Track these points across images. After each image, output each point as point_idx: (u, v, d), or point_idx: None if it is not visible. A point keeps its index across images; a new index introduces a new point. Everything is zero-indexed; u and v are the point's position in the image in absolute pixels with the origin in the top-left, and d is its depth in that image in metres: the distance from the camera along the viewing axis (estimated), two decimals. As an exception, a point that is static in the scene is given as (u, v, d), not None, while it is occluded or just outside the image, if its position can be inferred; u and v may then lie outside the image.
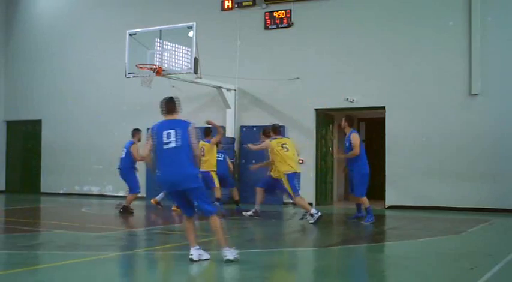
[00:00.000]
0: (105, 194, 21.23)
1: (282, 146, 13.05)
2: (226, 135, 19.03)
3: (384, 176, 17.23)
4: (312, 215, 12.76)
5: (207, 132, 15.66)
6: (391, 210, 16.66)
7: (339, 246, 10.33)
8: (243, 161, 19.00)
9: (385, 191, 17.28)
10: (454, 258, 8.90)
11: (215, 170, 15.24)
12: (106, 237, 11.06)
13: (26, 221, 13.81)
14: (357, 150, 12.99)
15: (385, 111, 17.43)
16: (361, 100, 17.41)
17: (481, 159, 16.27)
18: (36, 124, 23.41)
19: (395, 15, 17.61)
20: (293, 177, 12.90)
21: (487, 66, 16.36)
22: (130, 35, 17.27)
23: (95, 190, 21.53)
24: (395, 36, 17.49)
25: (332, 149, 19.47)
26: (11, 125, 24.30)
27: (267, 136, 13.73)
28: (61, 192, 22.37)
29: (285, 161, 12.93)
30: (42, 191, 22.83)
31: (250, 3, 19.57)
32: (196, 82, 17.55)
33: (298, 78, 18.34)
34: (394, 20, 17.59)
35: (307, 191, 18.14)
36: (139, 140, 15.18)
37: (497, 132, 16.17)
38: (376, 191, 17.24)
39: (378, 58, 17.54)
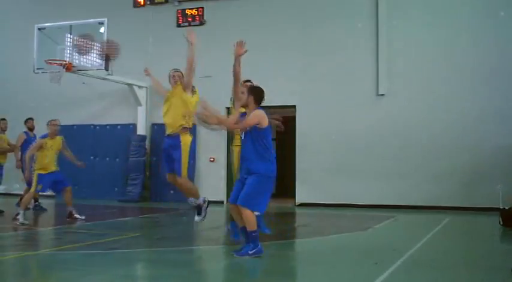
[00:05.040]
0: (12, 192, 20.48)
1: None
2: (138, 133, 18.91)
3: (295, 173, 17.55)
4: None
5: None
6: (301, 208, 16.98)
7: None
8: (154, 158, 18.92)
9: (295, 188, 17.59)
10: (359, 253, 9.16)
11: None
12: (11, 237, 10.84)
13: None
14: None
15: (295, 110, 17.77)
16: (273, 99, 17.50)
17: (387, 158, 16.85)
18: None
19: (306, 15, 17.96)
20: None
21: (393, 68, 16.94)
22: (39, 29, 16.93)
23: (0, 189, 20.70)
24: (307, 36, 17.87)
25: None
26: None
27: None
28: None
29: None
30: None
31: (163, 0, 19.51)
32: (107, 79, 17.35)
33: (210, 76, 18.35)
34: (305, 20, 17.96)
35: (220, 188, 18.28)
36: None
37: (402, 132, 16.80)
38: (288, 188, 17.53)
39: (289, 57, 17.87)
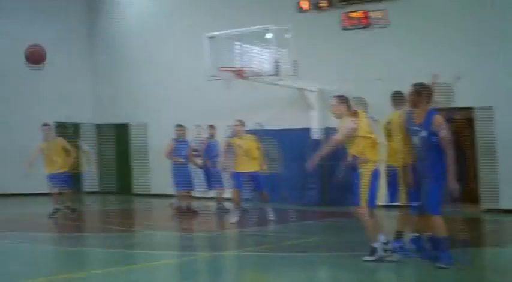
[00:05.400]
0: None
1: None
2: (313, 138, 18.74)
3: (476, 178, 16.61)
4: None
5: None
6: (488, 214, 15.79)
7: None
8: (330, 163, 18.37)
9: (479, 194, 16.55)
10: None
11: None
12: (197, 238, 11.19)
13: (121, 221, 14.20)
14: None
15: (473, 111, 16.81)
16: (465, 100, 16.29)
17: None
18: (124, 127, 24.06)
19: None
20: None
21: None
22: (210, 37, 17.37)
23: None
24: (496, 31, 16.54)
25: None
26: (100, 128, 24.97)
27: None
28: (151, 193, 22.65)
29: None
30: (134, 192, 23.31)
31: (327, 5, 19.32)
32: (278, 84, 17.43)
33: (380, 79, 17.80)
34: (480, 15, 16.69)
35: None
36: None
37: None
38: (470, 193, 16.53)
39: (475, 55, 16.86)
